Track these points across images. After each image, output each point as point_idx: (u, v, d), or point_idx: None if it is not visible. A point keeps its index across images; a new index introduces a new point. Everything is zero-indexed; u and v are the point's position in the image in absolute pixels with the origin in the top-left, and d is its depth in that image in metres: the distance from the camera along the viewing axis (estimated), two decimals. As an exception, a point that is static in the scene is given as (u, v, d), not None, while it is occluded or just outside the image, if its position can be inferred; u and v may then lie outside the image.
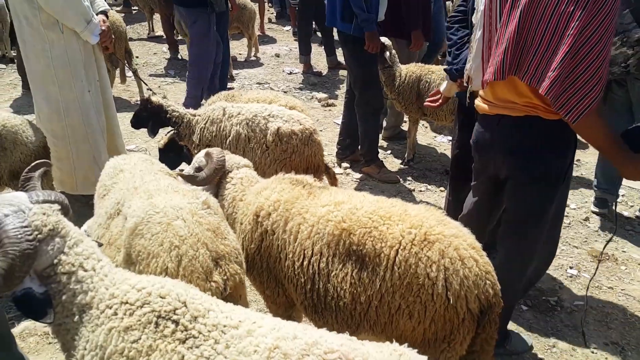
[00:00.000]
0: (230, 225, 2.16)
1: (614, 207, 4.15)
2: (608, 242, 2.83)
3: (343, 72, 7.54)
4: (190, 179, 2.42)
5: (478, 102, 2.39)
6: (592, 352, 2.77)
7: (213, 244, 1.78)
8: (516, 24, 1.99)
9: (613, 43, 3.42)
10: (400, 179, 4.71)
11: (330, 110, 6.54)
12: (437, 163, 5.13)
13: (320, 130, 5.78)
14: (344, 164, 4.99)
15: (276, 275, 2.06)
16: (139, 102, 4.34)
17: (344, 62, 5.29)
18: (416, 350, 1.27)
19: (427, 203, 4.24)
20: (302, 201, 2.03)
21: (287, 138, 3.25)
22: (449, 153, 5.38)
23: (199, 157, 2.55)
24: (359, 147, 4.86)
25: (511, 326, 2.87)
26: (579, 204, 4.33)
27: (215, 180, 2.45)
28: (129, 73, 6.51)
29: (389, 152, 5.38)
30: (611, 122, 3.92)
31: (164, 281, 1.43)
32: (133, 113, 3.80)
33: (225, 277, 1.75)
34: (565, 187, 2.38)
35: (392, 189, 4.56)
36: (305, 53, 7.91)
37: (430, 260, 1.68)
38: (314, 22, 8.08)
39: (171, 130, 3.70)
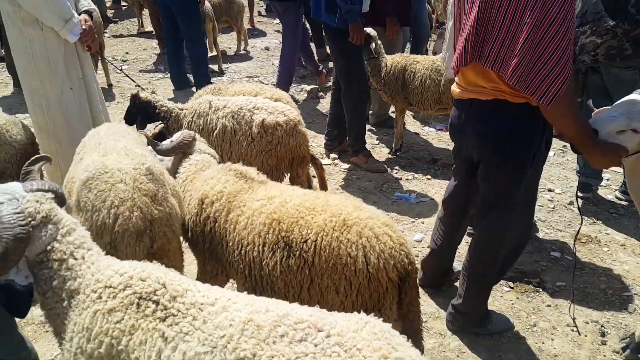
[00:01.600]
0: (180, 199, 2.42)
1: (588, 195, 4.24)
2: (576, 234, 2.92)
3: (332, 64, 7.57)
4: (152, 145, 2.69)
5: (453, 87, 2.49)
6: (572, 330, 2.85)
7: (148, 209, 2.04)
8: (476, 13, 2.08)
9: (584, 32, 3.51)
10: (388, 168, 4.77)
11: (319, 102, 6.59)
12: (424, 152, 5.20)
13: (310, 122, 5.85)
14: (332, 155, 5.05)
15: (219, 257, 2.26)
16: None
17: (332, 54, 5.34)
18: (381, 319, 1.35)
19: (413, 191, 4.38)
20: (242, 195, 2.23)
21: (271, 129, 3.30)
22: (436, 142, 5.46)
23: (177, 134, 2.79)
24: (347, 137, 4.92)
25: (493, 307, 2.95)
26: (564, 188, 4.41)
27: (177, 156, 2.69)
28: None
29: (377, 142, 5.44)
30: (591, 105, 4.02)
31: (144, 265, 1.50)
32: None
33: (153, 238, 2.04)
34: (536, 170, 2.45)
35: (380, 178, 4.62)
36: (294, 46, 7.93)
37: (350, 241, 1.90)
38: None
39: (160, 124, 3.74)
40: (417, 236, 3.75)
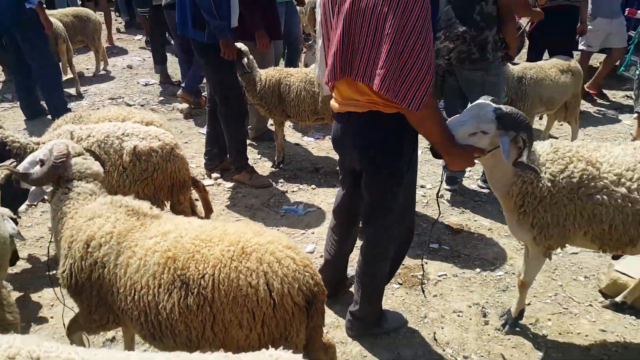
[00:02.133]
0: (55, 234, 2.21)
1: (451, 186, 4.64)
2: (431, 228, 3.16)
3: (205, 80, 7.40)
4: (23, 177, 2.30)
5: (332, 101, 2.56)
6: (458, 316, 3.08)
7: None
8: (342, 28, 2.16)
9: (438, 37, 3.83)
10: (273, 182, 4.78)
11: (194, 120, 6.41)
12: (306, 162, 5.30)
13: (186, 143, 5.67)
14: (214, 175, 4.93)
15: (109, 304, 2.06)
16: None
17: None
18: (291, 350, 1.32)
19: (300, 202, 4.43)
20: (133, 233, 2.04)
21: (146, 156, 3.12)
22: (316, 151, 5.59)
23: (44, 149, 2.36)
24: (228, 155, 4.83)
25: (386, 305, 3.08)
26: (434, 183, 4.76)
27: (53, 179, 2.27)
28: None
29: (259, 156, 5.43)
30: (450, 106, 4.39)
31: (11, 339, 1.30)
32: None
33: None
34: (412, 173, 2.63)
35: (266, 193, 4.62)
36: (160, 63, 7.63)
37: (250, 269, 1.80)
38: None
39: (12, 162, 3.34)
40: (309, 247, 3.80)
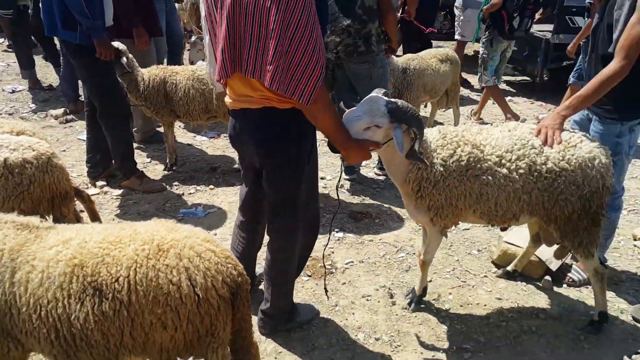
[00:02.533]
0: None
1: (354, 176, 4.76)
2: (333, 217, 3.30)
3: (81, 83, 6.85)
4: None
5: (226, 98, 2.48)
6: (367, 300, 3.14)
7: None
8: (226, 24, 2.09)
9: (323, 32, 3.86)
10: (167, 186, 4.54)
11: (71, 126, 5.90)
12: (201, 162, 5.10)
13: (64, 151, 5.23)
14: (100, 183, 4.57)
15: (7, 330, 1.84)
16: None
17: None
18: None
19: (199, 204, 4.25)
20: (29, 247, 1.84)
21: (19, 169, 2.78)
22: (211, 150, 5.41)
23: None
24: (113, 161, 4.50)
25: (297, 298, 3.05)
26: (333, 174, 4.83)
27: None
28: None
29: (148, 160, 5.13)
30: (341, 99, 4.46)
31: None
32: None
33: None
34: (313, 166, 2.62)
35: (160, 198, 4.37)
36: (28, 67, 6.94)
37: (169, 267, 1.73)
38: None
39: None
40: (212, 249, 3.65)
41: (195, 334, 1.76)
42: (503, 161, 2.56)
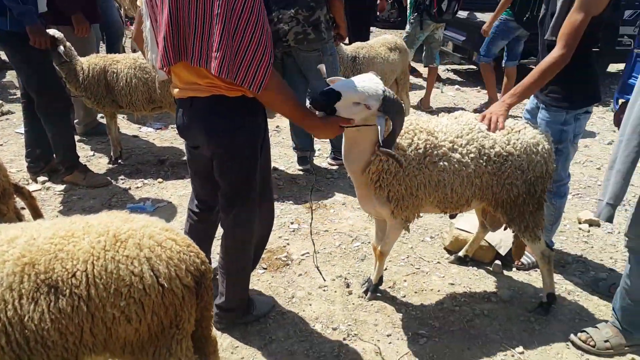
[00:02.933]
0: None
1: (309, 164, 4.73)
2: (311, 193, 3.22)
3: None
4: None
5: (171, 86, 2.37)
6: (324, 290, 3.13)
7: None
8: (168, 9, 2.00)
9: (271, 20, 3.79)
10: (112, 180, 4.35)
11: (7, 119, 5.55)
12: (148, 155, 4.92)
13: (0, 145, 4.91)
14: (41, 178, 4.32)
15: None
16: None
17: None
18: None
19: (147, 198, 4.10)
20: None
21: (-52, 165, 2.58)
22: (159, 142, 5.22)
23: None
24: (54, 155, 4.26)
25: (253, 292, 3.00)
26: (286, 165, 4.77)
27: None
28: None
29: (91, 153, 4.90)
30: (292, 86, 4.41)
31: None
32: None
33: None
34: (266, 156, 2.55)
35: (105, 193, 4.18)
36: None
37: (130, 257, 1.67)
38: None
39: None
40: (162, 244, 3.52)
41: (159, 325, 1.71)
42: (455, 146, 2.59)
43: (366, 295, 3.07)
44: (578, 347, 2.72)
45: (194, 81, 2.18)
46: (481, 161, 2.61)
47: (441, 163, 2.58)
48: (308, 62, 4.05)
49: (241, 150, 2.35)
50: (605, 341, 2.67)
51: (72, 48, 4.23)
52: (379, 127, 2.30)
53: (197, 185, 2.73)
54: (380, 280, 3.11)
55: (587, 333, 2.72)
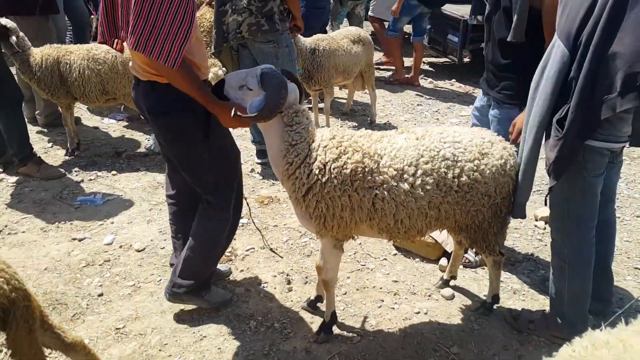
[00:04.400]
0: None
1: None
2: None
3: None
4: None
5: (131, 64, 2.49)
6: (263, 287, 3.09)
7: None
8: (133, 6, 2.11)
9: (225, 11, 3.74)
10: (66, 172, 4.30)
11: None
12: (106, 146, 4.87)
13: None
14: (-6, 170, 4.28)
15: None
16: None
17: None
18: None
19: (98, 192, 4.06)
20: None
21: None
22: (118, 134, 5.17)
23: None
24: (8, 147, 4.22)
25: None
26: (245, 158, 4.72)
27: None
28: None
29: (49, 144, 4.85)
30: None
31: None
32: None
33: None
34: (219, 142, 2.55)
35: (58, 185, 4.14)
36: None
37: None
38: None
39: None
40: (107, 239, 3.49)
41: None
42: (405, 175, 2.28)
43: (319, 335, 2.67)
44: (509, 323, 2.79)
45: (140, 64, 2.31)
46: (439, 192, 2.31)
47: (377, 191, 2.28)
48: (263, 53, 3.98)
49: (181, 135, 2.41)
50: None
51: (25, 38, 4.17)
52: (249, 102, 2.17)
53: (169, 170, 2.83)
54: (333, 318, 2.71)
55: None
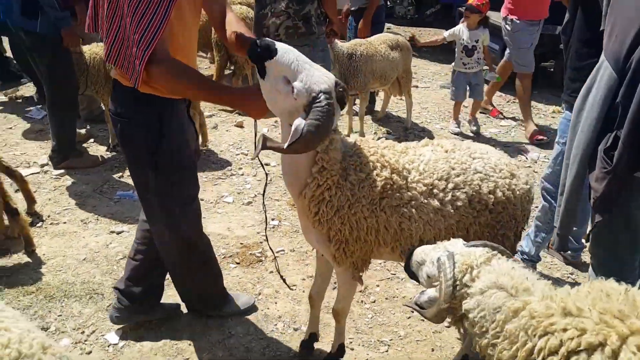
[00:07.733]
0: None
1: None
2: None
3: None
4: None
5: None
6: (292, 289, 3.11)
7: None
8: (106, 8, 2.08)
9: (265, 15, 3.78)
10: (107, 169, 4.49)
11: (20, 102, 5.76)
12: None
13: (10, 128, 5.19)
14: (42, 161, 4.52)
15: None
16: None
17: None
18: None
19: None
20: None
21: None
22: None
23: None
24: (52, 141, 4.43)
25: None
26: (278, 161, 4.75)
27: None
28: None
29: (91, 140, 5.02)
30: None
31: None
32: None
33: None
34: (180, 159, 2.35)
35: (99, 179, 4.32)
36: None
37: None
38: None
39: None
40: (143, 234, 3.58)
41: None
42: (435, 190, 2.08)
43: None
44: None
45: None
46: (471, 210, 2.11)
47: (405, 209, 2.06)
48: None
49: (129, 142, 2.29)
50: None
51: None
52: (292, 128, 1.78)
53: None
54: (340, 350, 2.51)
55: None
